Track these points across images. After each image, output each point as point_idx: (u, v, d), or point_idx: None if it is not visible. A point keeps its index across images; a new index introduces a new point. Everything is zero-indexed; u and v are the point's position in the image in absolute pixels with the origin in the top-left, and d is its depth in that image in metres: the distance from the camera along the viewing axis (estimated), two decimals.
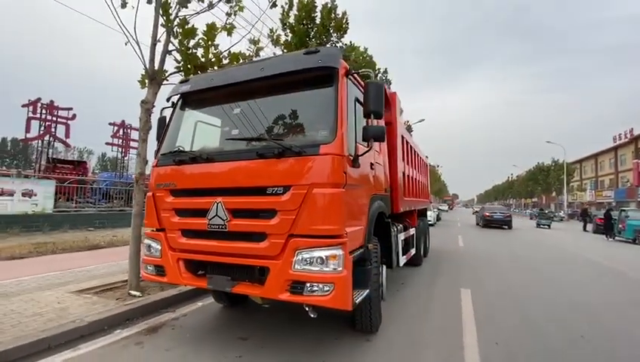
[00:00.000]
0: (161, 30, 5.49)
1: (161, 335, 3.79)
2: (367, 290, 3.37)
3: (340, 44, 10.35)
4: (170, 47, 5.57)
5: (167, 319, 4.31)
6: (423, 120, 30.74)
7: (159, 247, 3.55)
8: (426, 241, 9.11)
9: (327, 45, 10.41)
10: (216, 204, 3.16)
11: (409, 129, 23.36)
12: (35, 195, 14.34)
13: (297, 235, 2.84)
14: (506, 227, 22.58)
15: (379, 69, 14.67)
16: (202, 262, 3.35)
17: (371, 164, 3.88)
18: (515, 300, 5.27)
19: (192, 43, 5.53)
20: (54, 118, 15.48)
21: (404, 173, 6.16)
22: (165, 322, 4.21)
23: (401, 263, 5.47)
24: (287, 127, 3.26)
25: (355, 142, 3.30)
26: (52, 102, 15.34)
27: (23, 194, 14.28)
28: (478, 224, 24.73)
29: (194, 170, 3.42)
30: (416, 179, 7.64)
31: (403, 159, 6.18)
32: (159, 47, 5.36)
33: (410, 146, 7.11)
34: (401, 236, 5.65)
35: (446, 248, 11.33)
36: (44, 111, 15.02)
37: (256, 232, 3.00)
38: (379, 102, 3.11)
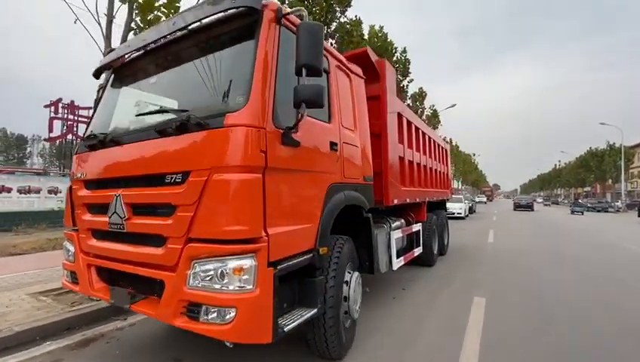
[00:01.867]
0: (119, 6, 4.93)
1: (88, 351, 3.25)
2: (314, 310, 2.54)
3: (344, 18, 9.33)
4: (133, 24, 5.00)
5: (110, 329, 3.78)
6: (454, 105, 28.52)
7: (72, 250, 2.97)
8: (443, 237, 7.97)
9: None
10: (115, 198, 2.49)
11: (435, 115, 21.62)
12: (60, 192, 14.93)
13: (196, 239, 2.08)
14: (530, 210, 35.03)
15: (396, 48, 13.41)
16: (113, 271, 2.71)
17: (332, 144, 3.00)
18: (542, 315, 4.14)
19: (151, 17, 4.92)
20: (76, 118, 16.01)
21: (402, 158, 5.16)
22: (106, 333, 3.67)
23: (396, 266, 4.53)
24: (201, 95, 2.49)
25: (299, 113, 2.45)
26: (72, 102, 15.87)
27: (49, 192, 14.93)
28: (514, 210, 35.38)
29: (100, 156, 2.78)
30: (425, 165, 6.55)
31: (402, 141, 5.17)
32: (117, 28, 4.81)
33: (416, 128, 6.04)
34: (397, 234, 4.69)
35: (472, 244, 10.03)
36: (65, 111, 15.56)
37: (153, 234, 2.28)
38: (314, 51, 2.23)
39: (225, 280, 1.97)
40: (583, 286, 5.53)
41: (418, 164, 6.15)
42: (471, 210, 24.29)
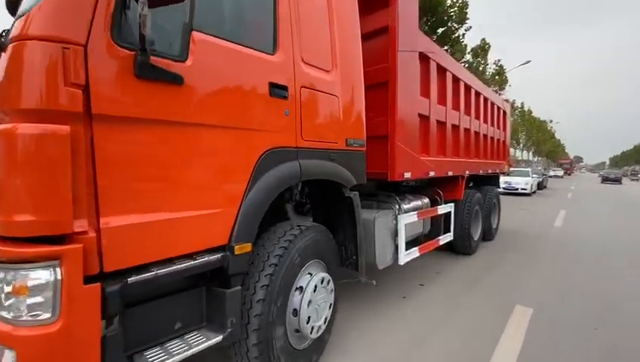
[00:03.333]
0: None
1: None
2: (219, 337, 1.69)
3: None
4: None
5: None
6: (529, 61, 24.12)
7: None
8: (491, 220, 6.47)
9: None
10: None
11: (500, 72, 18.24)
12: None
13: None
14: (618, 183, 35.86)
15: None
16: None
17: (275, 88, 1.98)
18: (615, 349, 2.80)
19: None
20: None
21: (426, 117, 3.87)
22: None
23: (404, 260, 3.44)
24: None
25: (192, 29, 1.48)
26: None
27: None
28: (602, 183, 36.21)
29: None
30: (467, 128, 5.09)
31: (426, 94, 3.85)
32: None
33: (454, 77, 4.57)
34: (409, 218, 3.55)
35: (532, 228, 8.24)
36: None
37: None
38: None
39: (5, 303, 1.18)
40: None
41: (455, 127, 4.74)
42: (540, 186, 20.96)
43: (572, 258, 5.59)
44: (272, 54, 2.00)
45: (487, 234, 6.39)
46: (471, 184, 6.93)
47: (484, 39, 16.14)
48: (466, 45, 15.22)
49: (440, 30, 11.86)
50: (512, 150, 39.81)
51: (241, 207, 1.79)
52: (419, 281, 4.23)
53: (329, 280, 2.38)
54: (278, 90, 1.99)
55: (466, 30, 11.94)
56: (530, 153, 48.02)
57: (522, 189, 16.78)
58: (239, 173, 1.80)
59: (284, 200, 2.68)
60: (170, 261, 1.53)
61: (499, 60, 18.23)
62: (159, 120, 1.48)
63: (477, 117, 5.58)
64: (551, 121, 50.03)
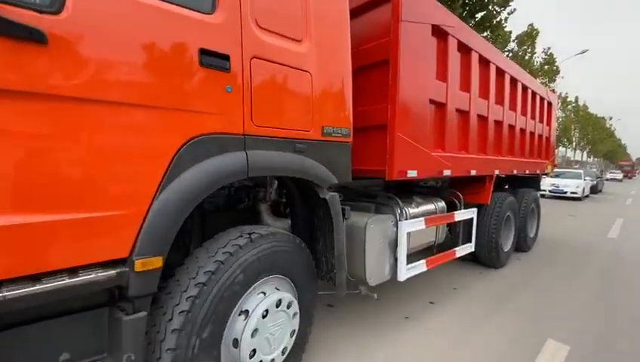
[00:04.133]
0: None
1: None
2: None
3: None
4: None
5: None
6: (586, 50, 21.58)
7: None
8: (527, 228, 5.58)
9: None
10: None
11: (551, 60, 16.30)
12: None
13: None
14: None
15: None
16: None
17: (208, 56, 1.54)
18: None
19: None
20: None
21: (442, 105, 3.23)
22: None
23: (404, 276, 2.86)
24: None
25: None
26: None
27: None
28: None
29: None
30: (498, 120, 4.33)
31: (443, 77, 3.22)
32: None
33: (482, 59, 3.85)
34: (412, 225, 2.95)
35: (579, 238, 7.11)
36: None
37: None
38: None
39: None
40: None
41: (482, 118, 4.01)
42: (594, 190, 18.71)
43: (628, 280, 4.61)
44: (209, 13, 1.55)
45: (522, 245, 5.53)
46: (506, 186, 6.11)
47: (531, 24, 14.46)
48: (510, 32, 13.79)
49: (479, 15, 10.73)
50: (562, 149, 36.38)
51: (149, 210, 1.37)
52: (430, 298, 3.61)
53: (290, 302, 1.90)
54: (213, 59, 1.54)
55: (509, 13, 10.65)
56: (585, 153, 43.58)
57: (572, 193, 15.03)
58: (147, 167, 1.39)
59: (258, 199, 2.26)
60: (41, 277, 1.15)
61: (548, 48, 16.30)
62: (19, 91, 1.10)
63: (512, 108, 4.76)
64: (610, 118, 44.95)
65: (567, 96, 23.96)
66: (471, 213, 3.84)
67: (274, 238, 1.86)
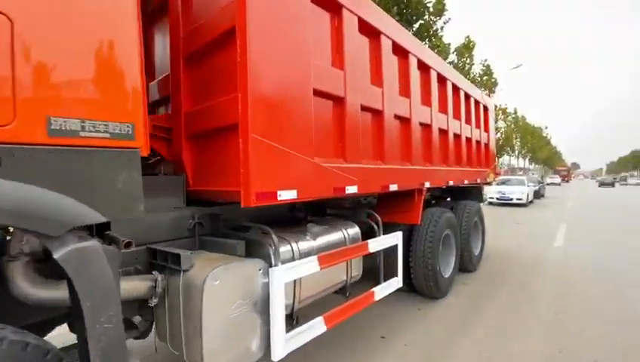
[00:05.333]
0: None
1: None
2: None
3: None
4: None
5: None
6: (520, 65, 23.04)
7: None
8: (471, 246, 4.93)
9: None
10: None
11: (487, 73, 16.89)
12: None
13: None
14: (611, 186, 41.82)
15: None
16: None
17: None
18: None
19: None
20: None
21: (337, 99, 2.39)
22: None
23: (278, 355, 1.87)
24: None
25: None
26: None
27: None
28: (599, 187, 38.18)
29: None
30: (420, 124, 3.62)
31: (340, 64, 2.39)
32: None
33: (395, 45, 3.11)
34: (294, 270, 2.01)
35: (526, 250, 6.68)
36: None
37: None
38: None
39: None
40: None
41: (404, 120, 3.27)
42: (537, 195, 19.43)
43: (579, 297, 4.03)
44: None
45: (468, 265, 4.86)
46: (448, 199, 5.49)
47: (468, 36, 14.86)
48: (449, 44, 14.00)
49: (417, 25, 10.59)
50: (507, 157, 38.57)
51: None
52: (342, 359, 2.66)
53: None
54: None
55: (444, 23, 10.60)
56: (527, 160, 46.75)
57: (518, 199, 15.36)
58: None
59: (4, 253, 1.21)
60: None
61: (485, 60, 16.90)
62: None
63: (442, 110, 4.12)
64: (546, 128, 48.94)
65: (506, 107, 25.30)
66: (393, 239, 2.99)
67: None
